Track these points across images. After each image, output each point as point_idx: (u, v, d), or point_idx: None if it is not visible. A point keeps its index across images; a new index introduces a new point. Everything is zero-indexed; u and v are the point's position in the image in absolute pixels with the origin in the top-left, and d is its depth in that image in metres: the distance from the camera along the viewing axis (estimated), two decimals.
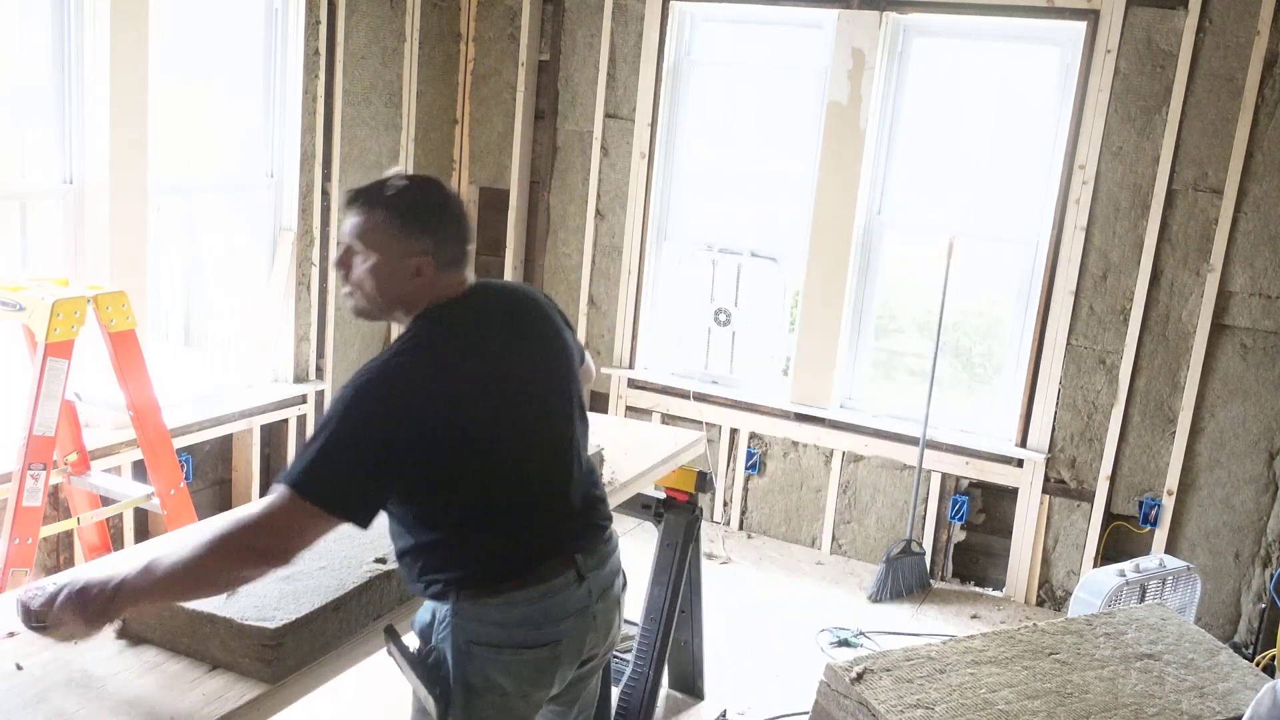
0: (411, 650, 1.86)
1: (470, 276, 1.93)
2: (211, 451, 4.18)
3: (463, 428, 1.78)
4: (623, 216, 4.97)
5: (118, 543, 3.64)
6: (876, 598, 4.34)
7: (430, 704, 1.82)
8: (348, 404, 1.72)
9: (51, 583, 1.69)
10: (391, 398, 1.74)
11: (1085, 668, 2.39)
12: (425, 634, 1.89)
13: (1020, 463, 4.38)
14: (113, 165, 3.52)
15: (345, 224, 1.87)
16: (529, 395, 1.91)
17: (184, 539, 1.83)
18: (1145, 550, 4.19)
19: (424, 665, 1.83)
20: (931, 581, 4.51)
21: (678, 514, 3.05)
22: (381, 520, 1.78)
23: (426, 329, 1.85)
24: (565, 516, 1.93)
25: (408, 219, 1.83)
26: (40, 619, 1.67)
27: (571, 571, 1.88)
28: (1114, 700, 2.28)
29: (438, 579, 1.84)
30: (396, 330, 3.54)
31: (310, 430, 4.52)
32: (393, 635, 1.88)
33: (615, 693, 3.06)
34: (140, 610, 1.72)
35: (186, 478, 3.74)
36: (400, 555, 1.89)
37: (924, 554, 4.49)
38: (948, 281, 4.30)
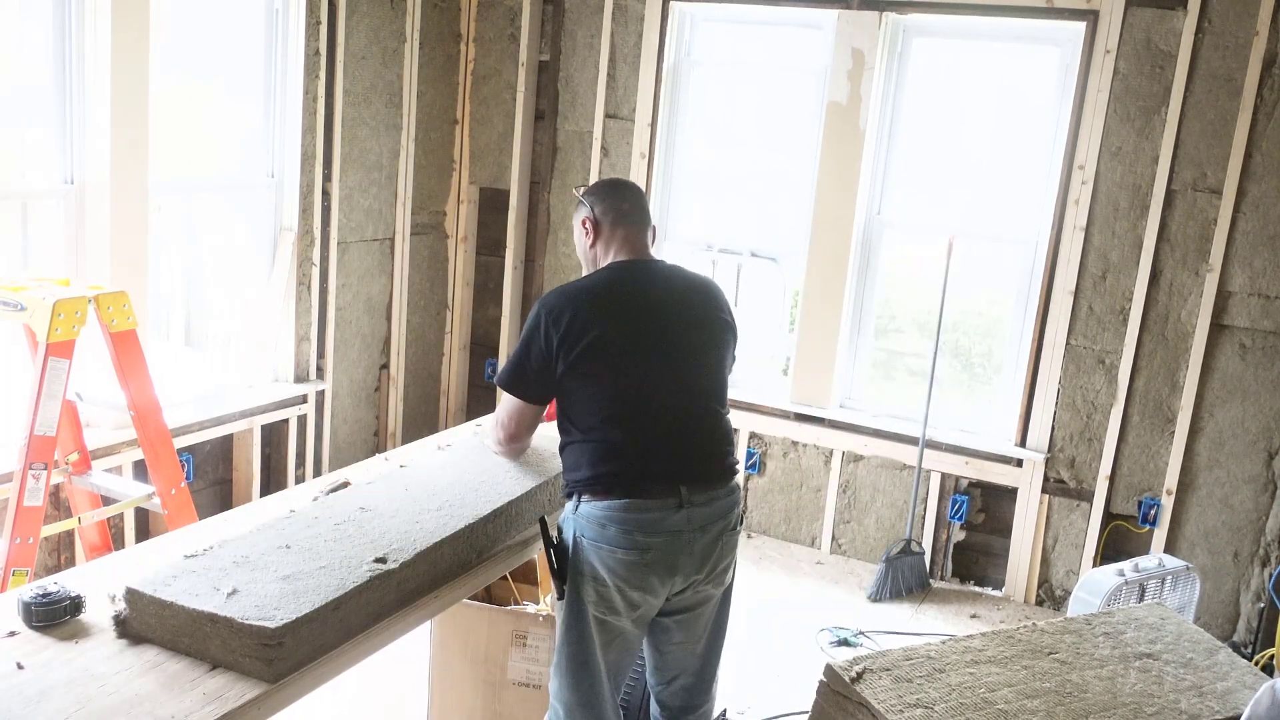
0: (550, 536, 2.30)
1: (647, 254, 2.47)
2: (212, 451, 4.19)
3: (601, 348, 2.27)
4: None
5: (118, 542, 3.64)
6: (876, 597, 4.35)
7: (557, 582, 2.27)
8: (529, 319, 2.35)
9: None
10: (554, 312, 2.30)
11: (1084, 667, 2.39)
12: (560, 524, 2.34)
13: (1020, 462, 4.39)
14: (113, 165, 3.53)
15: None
16: (666, 348, 2.35)
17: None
18: (1144, 550, 4.19)
19: (554, 550, 2.29)
20: (931, 581, 4.52)
21: None
22: (380, 520, 1.80)
23: (597, 274, 2.43)
24: (680, 455, 2.31)
25: (584, 195, 2.52)
26: None
27: (674, 499, 2.25)
28: (1113, 699, 2.28)
29: (569, 481, 2.33)
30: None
31: (310, 431, 4.54)
32: (542, 524, 2.32)
33: None
34: None
35: (187, 477, 3.75)
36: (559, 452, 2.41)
37: (923, 554, 4.49)
38: (947, 281, 4.30)
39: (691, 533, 2.27)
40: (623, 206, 2.48)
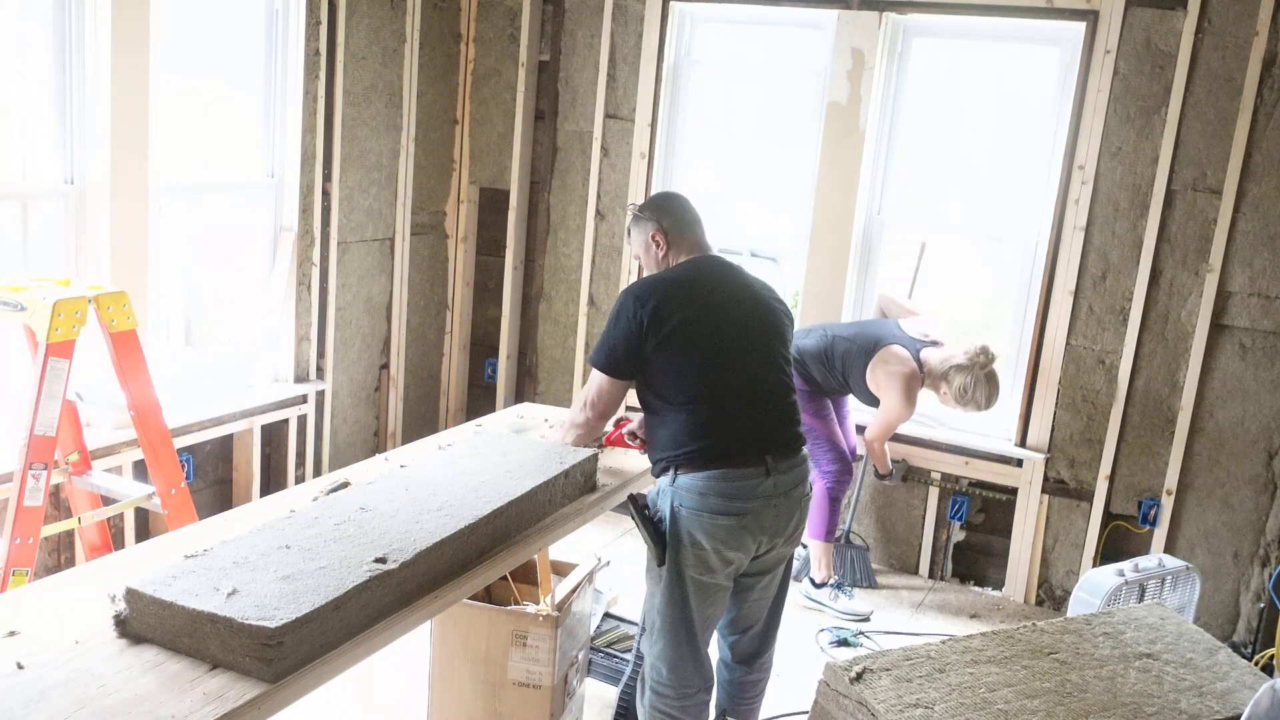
0: (645, 512, 2.55)
1: (710, 251, 2.75)
2: (212, 451, 4.19)
3: (688, 329, 2.53)
4: (623, 216, 4.97)
5: (119, 542, 3.64)
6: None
7: (653, 550, 2.54)
8: (617, 305, 2.60)
9: None
10: (641, 297, 2.56)
11: (1084, 667, 2.39)
12: (653, 502, 2.58)
13: (1020, 462, 4.39)
14: (114, 165, 3.53)
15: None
16: (743, 330, 2.61)
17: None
18: (1144, 550, 4.19)
19: (650, 523, 2.54)
20: (878, 580, 4.53)
21: None
22: (380, 520, 1.80)
23: (677, 267, 2.68)
24: (763, 426, 2.58)
25: (642, 210, 2.79)
26: None
27: (761, 467, 2.51)
28: (1113, 699, 2.28)
29: (663, 457, 2.56)
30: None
31: (310, 431, 4.54)
32: (633, 499, 2.59)
33: (615, 692, 3.07)
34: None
35: (187, 477, 3.75)
36: (645, 436, 2.70)
37: (866, 548, 4.57)
38: (915, 283, 4.40)
39: (777, 497, 2.54)
40: (685, 216, 2.76)
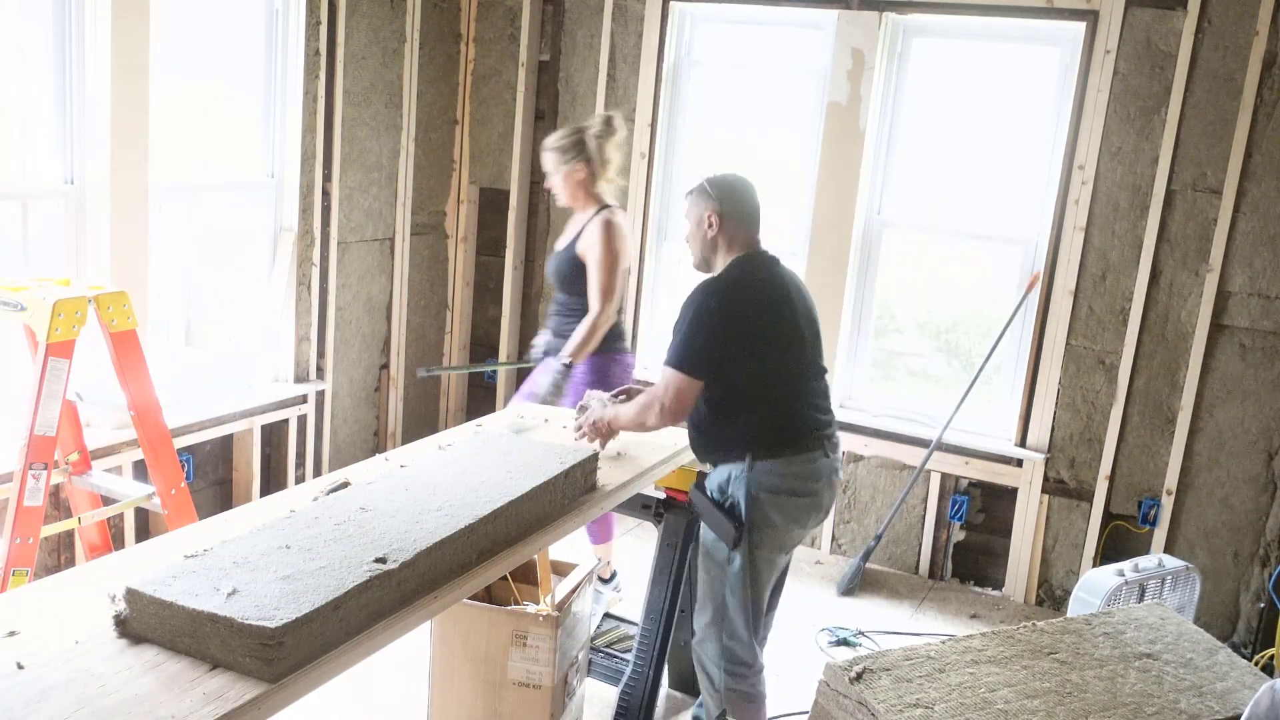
0: (714, 499, 2.78)
1: (758, 245, 2.83)
2: (212, 451, 4.19)
3: (760, 330, 2.72)
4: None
5: (119, 542, 3.64)
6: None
7: (727, 535, 2.71)
8: (693, 307, 2.71)
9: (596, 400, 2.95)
10: (719, 298, 2.71)
11: (1084, 667, 2.39)
12: (722, 488, 2.77)
13: (1020, 462, 4.39)
14: (114, 165, 3.53)
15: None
16: (799, 328, 2.80)
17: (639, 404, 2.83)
18: (1144, 550, 4.19)
19: (724, 509, 2.73)
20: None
21: (678, 514, 3.05)
22: (380, 520, 1.80)
23: (739, 265, 2.79)
24: (817, 414, 2.81)
25: (711, 186, 2.83)
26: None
27: (820, 451, 2.76)
28: (1113, 699, 2.28)
29: (738, 443, 2.73)
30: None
31: (310, 431, 4.54)
32: (700, 487, 2.85)
33: (615, 692, 3.08)
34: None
35: (187, 477, 3.75)
36: (703, 431, 2.82)
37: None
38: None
39: (830, 476, 2.81)
40: (746, 209, 2.83)
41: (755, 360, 2.71)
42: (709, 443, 2.83)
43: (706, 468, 2.93)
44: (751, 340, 2.71)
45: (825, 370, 2.91)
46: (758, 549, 2.73)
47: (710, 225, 2.79)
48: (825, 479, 2.78)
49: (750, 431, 2.72)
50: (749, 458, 2.70)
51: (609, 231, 3.65)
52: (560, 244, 3.84)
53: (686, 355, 2.70)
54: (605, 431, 2.88)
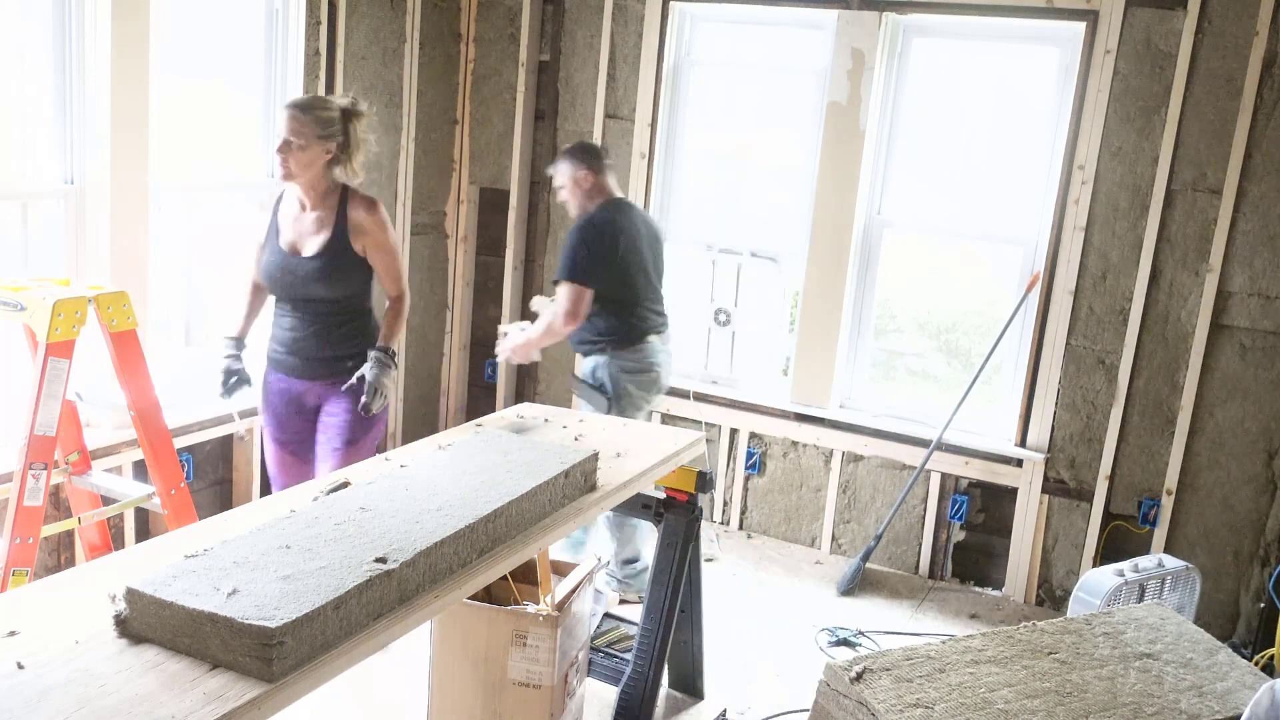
0: (588, 380, 3.92)
1: (615, 191, 3.96)
2: (212, 451, 4.19)
3: (619, 254, 3.80)
4: None
5: (118, 542, 3.64)
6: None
7: (601, 406, 3.83)
8: (579, 234, 3.80)
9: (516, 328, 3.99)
10: (602, 231, 3.79)
11: (1084, 667, 2.40)
12: (593, 372, 3.90)
13: (1020, 462, 4.39)
14: (114, 165, 3.53)
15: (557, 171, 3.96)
16: (642, 253, 3.91)
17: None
18: (1144, 550, 4.19)
19: (597, 388, 3.88)
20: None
21: (678, 514, 3.05)
22: (380, 520, 1.82)
23: (606, 207, 3.87)
24: (655, 315, 3.96)
25: (581, 155, 3.94)
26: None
27: (658, 339, 3.95)
28: (1113, 699, 2.28)
29: (599, 340, 3.86)
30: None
31: None
32: (574, 377, 4.08)
33: (615, 692, 3.07)
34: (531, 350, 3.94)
35: (187, 477, 3.75)
36: (576, 330, 3.82)
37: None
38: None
39: (664, 357, 4.00)
40: (607, 165, 3.95)
41: (614, 274, 3.77)
42: (580, 337, 3.88)
43: (578, 357, 4.13)
44: (613, 258, 3.75)
45: (660, 283, 4.00)
46: (624, 413, 3.80)
47: (584, 182, 3.86)
48: (664, 357, 3.95)
49: (610, 329, 3.83)
50: (610, 349, 3.84)
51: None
52: (314, 243, 3.20)
53: (577, 268, 3.72)
54: (524, 351, 3.89)
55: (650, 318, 3.91)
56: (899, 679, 2.26)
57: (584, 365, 3.96)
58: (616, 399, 3.83)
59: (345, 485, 2.49)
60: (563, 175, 3.89)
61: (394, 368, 3.28)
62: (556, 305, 3.77)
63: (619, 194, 3.95)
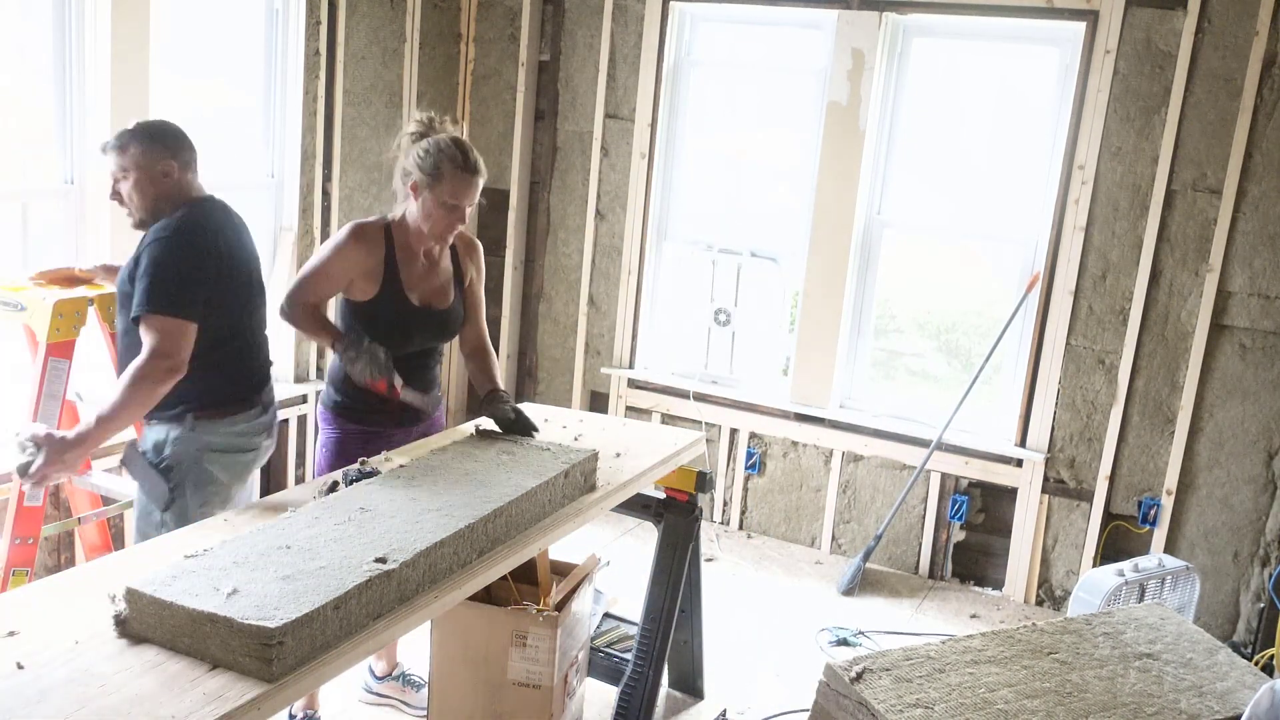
0: (150, 459, 2.62)
1: (203, 189, 2.73)
2: None
3: (219, 278, 2.59)
4: (623, 216, 4.97)
5: (118, 542, 3.64)
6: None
7: (159, 497, 2.59)
8: (160, 249, 2.51)
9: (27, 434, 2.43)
10: (186, 242, 2.54)
11: (1084, 667, 2.39)
12: (159, 447, 2.62)
13: (1020, 462, 4.39)
14: None
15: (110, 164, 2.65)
16: (253, 279, 2.75)
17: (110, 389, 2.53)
18: (1144, 550, 4.19)
19: (159, 469, 2.60)
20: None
21: (678, 514, 3.05)
22: (380, 520, 1.86)
23: (196, 210, 2.64)
24: (265, 366, 2.82)
25: (145, 142, 2.63)
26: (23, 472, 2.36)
27: (260, 404, 2.76)
28: (1113, 699, 2.28)
29: (176, 402, 2.54)
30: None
31: (310, 431, 4.53)
32: (133, 447, 2.66)
33: (615, 692, 3.07)
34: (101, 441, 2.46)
35: None
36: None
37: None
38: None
39: (273, 426, 2.87)
40: (195, 157, 2.73)
41: (213, 308, 2.54)
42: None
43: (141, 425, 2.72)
44: (212, 286, 2.55)
45: (265, 320, 2.82)
46: (204, 507, 2.58)
47: (168, 175, 2.62)
48: (265, 430, 2.79)
49: (195, 387, 2.52)
50: (189, 417, 2.58)
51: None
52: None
53: (164, 295, 2.46)
54: (76, 455, 2.45)
55: (263, 370, 2.80)
56: (899, 679, 2.26)
57: (148, 436, 2.65)
58: (192, 488, 2.60)
59: (338, 486, 2.48)
60: (130, 163, 2.63)
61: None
62: (142, 354, 2.46)
63: (205, 193, 2.74)
